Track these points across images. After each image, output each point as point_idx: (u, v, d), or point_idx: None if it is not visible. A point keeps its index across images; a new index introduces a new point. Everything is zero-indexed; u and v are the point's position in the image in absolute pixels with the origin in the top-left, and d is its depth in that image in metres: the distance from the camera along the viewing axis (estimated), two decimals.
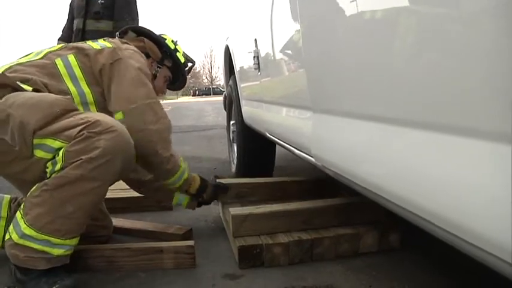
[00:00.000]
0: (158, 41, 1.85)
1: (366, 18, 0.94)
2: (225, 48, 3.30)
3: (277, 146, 2.43)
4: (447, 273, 1.40)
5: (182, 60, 1.91)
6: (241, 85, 2.79)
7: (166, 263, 1.50)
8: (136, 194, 2.38)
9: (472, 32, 0.59)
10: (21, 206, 1.30)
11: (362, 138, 1.02)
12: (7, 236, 1.29)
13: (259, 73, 2.15)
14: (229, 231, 1.66)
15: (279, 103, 1.91)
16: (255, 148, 2.69)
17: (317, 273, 1.43)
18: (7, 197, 1.63)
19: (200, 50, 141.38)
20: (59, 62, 1.53)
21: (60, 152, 1.27)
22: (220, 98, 4.38)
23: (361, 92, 1.01)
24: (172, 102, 29.80)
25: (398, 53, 0.82)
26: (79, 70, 1.54)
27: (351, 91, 1.08)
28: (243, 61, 2.68)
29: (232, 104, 3.14)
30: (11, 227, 1.29)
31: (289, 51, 1.68)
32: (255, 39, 2.18)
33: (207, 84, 71.75)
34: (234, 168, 3.05)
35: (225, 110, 3.57)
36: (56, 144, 1.28)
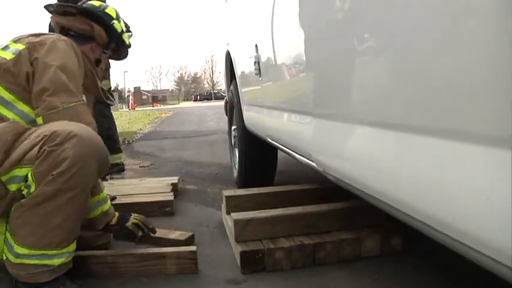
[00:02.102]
0: (107, 26, 1.70)
1: (367, 23, 0.95)
2: (226, 54, 3.32)
3: (278, 151, 2.43)
4: (449, 278, 1.40)
5: (128, 42, 1.82)
6: (242, 90, 2.80)
7: (168, 268, 1.50)
8: (138, 199, 2.40)
9: (473, 36, 0.59)
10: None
11: (363, 144, 1.03)
12: (4, 257, 1.28)
13: (260, 78, 2.16)
14: (232, 236, 1.66)
15: (280, 108, 1.92)
16: (257, 153, 2.69)
17: (319, 277, 1.43)
18: None
19: (201, 54, 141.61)
20: None
21: (29, 176, 1.23)
22: (222, 103, 4.39)
23: (362, 97, 1.02)
24: (174, 108, 29.84)
25: (399, 58, 0.83)
26: (6, 92, 1.38)
27: (352, 96, 1.08)
28: (243, 66, 2.69)
29: (233, 109, 3.15)
30: (5, 248, 1.28)
31: (289, 57, 1.68)
32: (256, 45, 2.19)
33: (208, 89, 71.89)
34: (235, 173, 3.05)
35: (226, 115, 3.57)
36: (23, 171, 1.24)
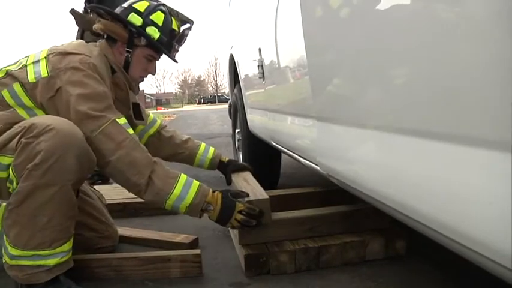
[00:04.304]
0: (122, 21, 1.57)
1: (369, 26, 0.95)
2: (230, 57, 3.33)
3: (282, 154, 2.44)
4: (454, 280, 1.40)
5: (156, 35, 1.59)
6: (245, 93, 2.81)
7: (173, 271, 1.51)
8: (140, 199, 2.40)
9: (473, 38, 0.60)
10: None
11: (366, 147, 1.03)
12: (3, 259, 1.29)
13: (263, 82, 2.17)
14: (236, 239, 1.67)
15: (284, 111, 1.92)
16: (261, 156, 2.70)
17: (324, 280, 1.43)
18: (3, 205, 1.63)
19: (205, 58, 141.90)
20: (5, 93, 1.41)
21: (10, 170, 1.25)
22: (225, 106, 4.40)
23: (365, 101, 1.02)
24: (178, 111, 29.90)
25: (401, 62, 0.83)
26: (28, 99, 1.41)
27: (355, 99, 1.09)
28: (247, 70, 2.70)
29: (237, 112, 3.16)
30: (3, 250, 1.29)
31: (293, 60, 1.69)
32: (259, 49, 2.20)
33: (212, 92, 72.04)
34: None
35: (230, 118, 3.58)
36: (5, 160, 1.26)
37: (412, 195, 0.79)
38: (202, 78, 78.61)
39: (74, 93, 1.38)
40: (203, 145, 2.04)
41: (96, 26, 1.62)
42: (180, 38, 1.71)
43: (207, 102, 61.78)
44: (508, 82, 0.52)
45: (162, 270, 1.50)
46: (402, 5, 0.80)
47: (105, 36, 1.63)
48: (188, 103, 70.88)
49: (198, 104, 63.97)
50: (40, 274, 1.26)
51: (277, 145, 2.07)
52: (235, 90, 3.14)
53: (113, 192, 2.59)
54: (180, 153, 1.99)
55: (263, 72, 2.16)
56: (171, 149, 1.99)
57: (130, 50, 1.60)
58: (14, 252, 1.24)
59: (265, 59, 2.12)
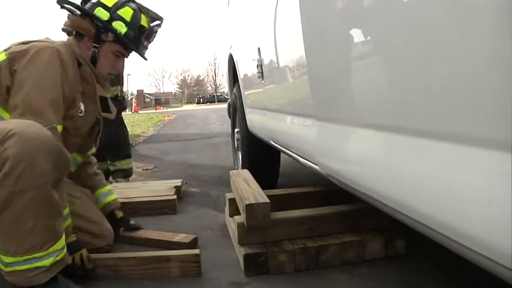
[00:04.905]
0: (89, 15, 1.56)
1: (369, 26, 0.95)
2: (229, 57, 3.33)
3: (281, 153, 2.44)
4: (453, 280, 1.40)
5: (123, 30, 1.58)
6: (245, 93, 2.81)
7: (172, 271, 1.51)
8: (141, 201, 2.41)
9: (473, 38, 0.60)
10: None
11: (366, 146, 1.03)
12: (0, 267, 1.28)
13: (262, 81, 2.17)
14: (235, 239, 1.67)
15: (283, 111, 1.92)
16: (260, 156, 2.70)
17: (323, 280, 1.43)
18: None
19: (204, 57, 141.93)
20: None
21: None
22: (225, 106, 4.42)
23: (365, 100, 1.02)
24: (177, 110, 29.91)
25: (401, 61, 0.83)
26: None
27: (355, 99, 1.09)
28: (246, 69, 2.70)
29: (236, 112, 3.16)
30: None
31: (292, 60, 1.69)
32: (258, 48, 2.20)
33: (211, 91, 72.03)
34: None
35: (229, 117, 3.58)
36: None
37: (412, 195, 0.79)
38: (201, 78, 78.59)
39: (30, 79, 1.35)
40: (109, 187, 1.96)
41: (64, 23, 1.60)
42: (149, 34, 1.69)
43: (206, 102, 61.79)
44: (508, 82, 0.52)
45: (161, 270, 1.50)
46: (402, 4, 0.80)
47: (74, 33, 1.61)
48: (187, 103, 70.84)
49: (197, 103, 63.98)
50: (39, 275, 1.26)
51: (276, 145, 2.07)
52: (235, 90, 3.14)
53: None
54: (86, 180, 1.89)
55: (262, 72, 2.15)
56: (82, 173, 1.89)
57: (98, 46, 1.59)
58: (7, 259, 1.24)
59: (264, 58, 2.12)
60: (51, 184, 1.25)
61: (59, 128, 1.42)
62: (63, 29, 1.66)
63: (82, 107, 1.56)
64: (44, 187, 1.23)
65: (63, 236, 1.33)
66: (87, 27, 1.57)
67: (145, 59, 1.76)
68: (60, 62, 1.43)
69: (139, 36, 1.64)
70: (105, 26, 1.56)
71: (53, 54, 1.42)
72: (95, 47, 1.59)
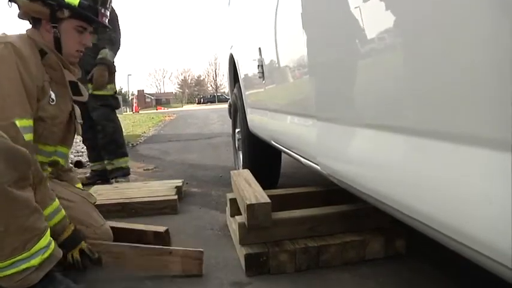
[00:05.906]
0: None
1: (370, 26, 0.95)
2: (230, 57, 3.33)
3: (282, 153, 2.44)
4: (453, 279, 1.40)
5: (75, 1, 1.54)
6: (245, 93, 2.81)
7: (173, 266, 1.51)
8: (142, 201, 2.41)
9: (474, 37, 0.60)
10: None
11: (366, 146, 1.03)
12: None
13: (263, 81, 2.17)
14: (236, 239, 1.67)
15: (284, 111, 1.92)
16: (261, 156, 2.70)
17: (324, 280, 1.43)
18: None
19: (205, 57, 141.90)
20: None
21: None
22: (225, 106, 4.41)
23: (366, 100, 1.03)
24: (177, 110, 29.91)
25: (402, 61, 0.83)
26: None
27: (356, 99, 1.09)
28: (247, 69, 2.70)
29: (237, 112, 3.16)
30: None
31: (293, 60, 1.69)
32: (259, 48, 2.20)
33: (211, 91, 72.03)
34: None
35: (230, 118, 3.59)
36: None
37: (412, 195, 0.79)
38: (202, 78, 78.61)
39: None
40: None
41: (18, 13, 1.57)
42: (104, 1, 1.65)
43: (207, 102, 61.77)
44: (508, 82, 0.53)
45: (163, 262, 1.51)
46: (403, 5, 0.80)
47: (30, 22, 1.58)
48: (188, 103, 70.87)
49: (197, 103, 63.95)
50: (30, 276, 1.23)
51: (277, 145, 2.07)
52: (235, 90, 3.14)
53: (112, 192, 2.60)
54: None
55: (263, 72, 2.16)
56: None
57: (57, 25, 1.55)
58: None
59: (265, 58, 2.12)
60: (9, 184, 1.17)
61: (21, 122, 1.37)
62: (19, 17, 1.61)
63: (53, 96, 1.53)
64: (3, 188, 1.15)
65: (47, 231, 1.29)
66: (39, 10, 1.52)
67: (108, 28, 1.72)
68: (16, 56, 1.40)
69: (94, 5, 1.61)
70: (59, 3, 1.52)
71: (5, 50, 1.39)
72: (54, 27, 1.55)
